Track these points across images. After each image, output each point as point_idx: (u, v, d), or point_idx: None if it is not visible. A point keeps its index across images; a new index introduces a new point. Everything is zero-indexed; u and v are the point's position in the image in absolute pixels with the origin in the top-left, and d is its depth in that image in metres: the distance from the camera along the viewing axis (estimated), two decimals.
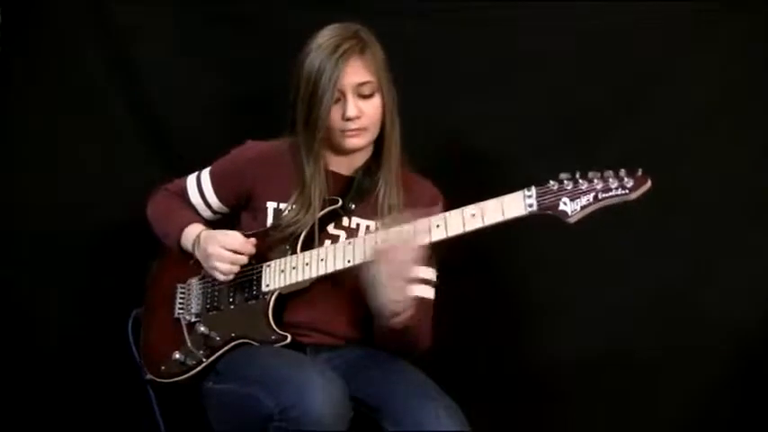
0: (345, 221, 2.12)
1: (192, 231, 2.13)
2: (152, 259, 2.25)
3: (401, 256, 1.90)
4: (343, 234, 2.11)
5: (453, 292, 2.18)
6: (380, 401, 1.93)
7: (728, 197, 2.50)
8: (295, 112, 2.10)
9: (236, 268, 2.07)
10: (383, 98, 2.09)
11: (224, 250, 2.06)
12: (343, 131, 2.07)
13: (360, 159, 2.16)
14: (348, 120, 2.05)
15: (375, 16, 2.23)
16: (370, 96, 2.07)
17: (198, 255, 2.12)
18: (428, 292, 2.11)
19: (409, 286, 1.95)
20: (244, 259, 2.08)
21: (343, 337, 2.11)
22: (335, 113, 2.05)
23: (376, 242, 1.95)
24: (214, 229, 2.15)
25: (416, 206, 2.11)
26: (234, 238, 2.08)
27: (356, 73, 2.05)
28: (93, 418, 2.54)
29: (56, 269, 2.55)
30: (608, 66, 2.48)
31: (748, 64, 2.46)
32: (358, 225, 2.13)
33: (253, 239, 2.09)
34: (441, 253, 2.06)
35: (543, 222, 1.87)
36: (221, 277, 2.08)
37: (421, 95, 2.40)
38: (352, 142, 2.09)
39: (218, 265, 2.06)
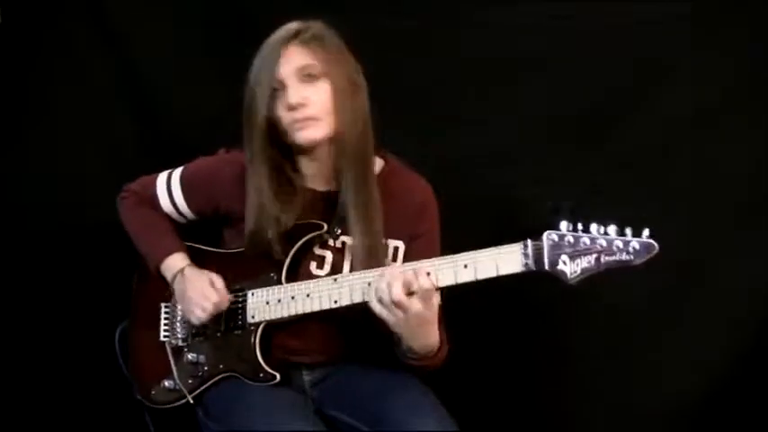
0: (331, 242, 2.01)
1: (174, 264, 2.05)
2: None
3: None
4: (329, 254, 2.01)
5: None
6: (376, 417, 1.91)
7: (728, 197, 2.50)
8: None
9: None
10: (333, 86, 1.91)
11: (204, 300, 1.97)
12: (292, 123, 1.90)
13: (330, 167, 1.99)
14: (292, 108, 1.88)
15: (375, 16, 2.23)
16: (314, 80, 1.89)
17: (175, 289, 2.05)
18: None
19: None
20: (221, 309, 1.99)
21: (338, 355, 2.06)
22: (281, 108, 1.90)
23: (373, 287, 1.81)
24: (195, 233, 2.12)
25: (405, 213, 2.02)
26: (211, 295, 1.97)
27: (295, 58, 1.89)
28: (88, 423, 2.55)
29: (55, 268, 2.55)
30: (608, 66, 2.48)
31: (748, 64, 2.46)
32: (344, 243, 2.01)
33: (230, 296, 2.00)
34: None
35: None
36: (194, 319, 2.00)
37: (420, 95, 2.40)
38: (304, 135, 1.90)
39: (195, 310, 1.98)
